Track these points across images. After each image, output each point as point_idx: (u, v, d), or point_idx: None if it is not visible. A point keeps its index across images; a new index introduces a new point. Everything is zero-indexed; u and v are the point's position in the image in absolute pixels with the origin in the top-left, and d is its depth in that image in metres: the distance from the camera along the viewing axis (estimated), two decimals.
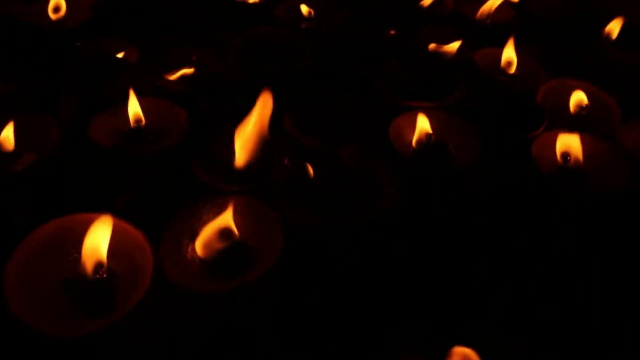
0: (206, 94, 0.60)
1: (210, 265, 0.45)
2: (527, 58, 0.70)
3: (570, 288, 0.45)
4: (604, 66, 0.73)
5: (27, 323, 0.37)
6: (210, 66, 0.68)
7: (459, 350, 0.35)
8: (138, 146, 0.55)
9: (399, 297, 0.45)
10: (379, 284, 0.46)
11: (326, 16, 0.81)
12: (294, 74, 0.67)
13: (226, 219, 0.44)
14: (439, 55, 0.72)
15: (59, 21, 0.76)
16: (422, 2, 0.84)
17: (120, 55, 0.69)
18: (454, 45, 0.71)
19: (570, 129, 0.57)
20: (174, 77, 0.67)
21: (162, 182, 0.53)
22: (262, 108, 0.49)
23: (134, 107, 0.57)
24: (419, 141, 0.56)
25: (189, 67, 0.67)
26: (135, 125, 0.57)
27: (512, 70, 0.70)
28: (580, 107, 0.63)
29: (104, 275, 0.42)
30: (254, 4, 0.83)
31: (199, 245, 0.44)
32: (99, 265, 0.42)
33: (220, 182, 0.50)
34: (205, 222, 0.45)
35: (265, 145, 0.50)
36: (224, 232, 0.44)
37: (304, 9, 0.80)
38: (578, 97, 0.64)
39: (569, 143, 0.55)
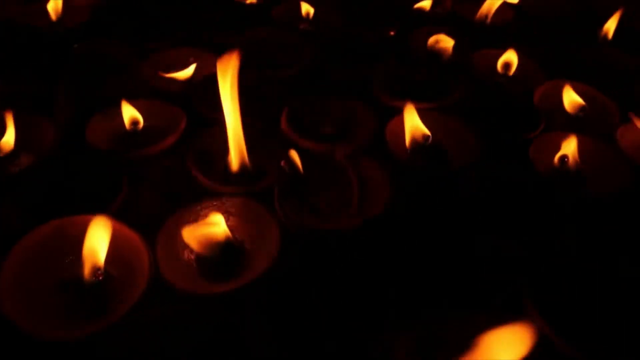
0: (204, 96, 0.60)
1: (207, 267, 0.45)
2: (525, 59, 0.70)
3: (570, 288, 0.45)
4: (603, 67, 0.73)
5: (18, 325, 0.37)
6: (208, 67, 0.68)
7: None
8: (135, 148, 0.55)
9: (398, 298, 0.45)
10: (378, 284, 0.45)
11: (324, 17, 0.81)
12: (292, 75, 0.67)
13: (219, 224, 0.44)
14: (437, 56, 0.72)
15: (57, 22, 0.76)
16: (421, 5, 0.84)
17: (118, 56, 0.69)
18: (449, 42, 0.71)
19: (568, 130, 0.57)
20: (171, 78, 0.67)
21: (159, 184, 0.53)
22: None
23: (129, 112, 0.56)
24: (415, 142, 0.56)
25: (187, 68, 0.67)
26: (132, 127, 0.57)
27: (511, 72, 0.70)
28: (576, 108, 0.63)
29: (100, 278, 0.42)
30: (251, 5, 0.83)
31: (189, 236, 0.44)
32: (96, 268, 0.42)
33: (217, 183, 0.50)
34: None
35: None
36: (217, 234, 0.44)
37: (304, 7, 0.80)
38: (571, 98, 0.63)
39: (569, 144, 0.55)
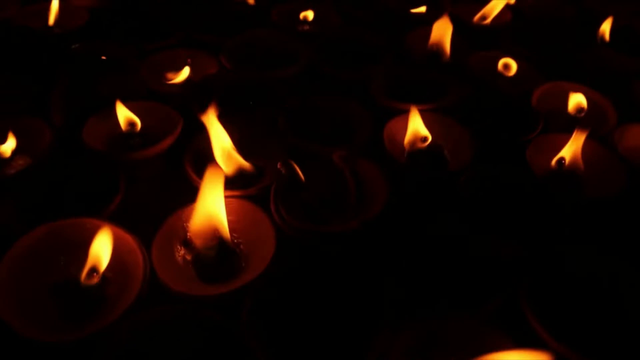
0: (201, 97, 0.60)
1: (203, 269, 0.44)
2: (522, 61, 0.70)
3: (570, 288, 0.45)
4: (600, 69, 0.73)
5: (13, 326, 0.37)
6: (205, 69, 0.68)
7: None
8: (132, 150, 0.55)
9: (396, 298, 0.44)
10: (375, 285, 0.45)
11: (322, 19, 0.81)
12: (290, 75, 0.67)
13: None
14: (435, 57, 0.72)
15: (55, 24, 0.76)
16: (417, 9, 0.84)
17: (116, 57, 0.69)
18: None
19: (565, 132, 0.57)
20: (169, 80, 0.67)
21: (155, 186, 0.52)
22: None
23: (123, 113, 0.56)
24: (413, 143, 0.56)
25: (184, 70, 0.67)
26: (129, 129, 0.57)
27: (509, 73, 0.69)
28: (578, 110, 0.63)
29: (95, 281, 0.42)
30: (249, 6, 0.83)
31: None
32: (93, 272, 0.42)
33: None
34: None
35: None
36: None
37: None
38: (577, 100, 0.63)
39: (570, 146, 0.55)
